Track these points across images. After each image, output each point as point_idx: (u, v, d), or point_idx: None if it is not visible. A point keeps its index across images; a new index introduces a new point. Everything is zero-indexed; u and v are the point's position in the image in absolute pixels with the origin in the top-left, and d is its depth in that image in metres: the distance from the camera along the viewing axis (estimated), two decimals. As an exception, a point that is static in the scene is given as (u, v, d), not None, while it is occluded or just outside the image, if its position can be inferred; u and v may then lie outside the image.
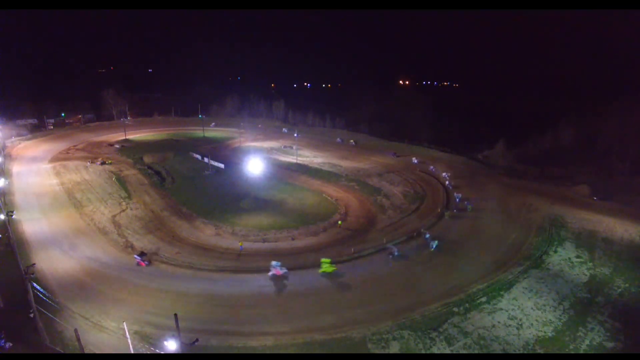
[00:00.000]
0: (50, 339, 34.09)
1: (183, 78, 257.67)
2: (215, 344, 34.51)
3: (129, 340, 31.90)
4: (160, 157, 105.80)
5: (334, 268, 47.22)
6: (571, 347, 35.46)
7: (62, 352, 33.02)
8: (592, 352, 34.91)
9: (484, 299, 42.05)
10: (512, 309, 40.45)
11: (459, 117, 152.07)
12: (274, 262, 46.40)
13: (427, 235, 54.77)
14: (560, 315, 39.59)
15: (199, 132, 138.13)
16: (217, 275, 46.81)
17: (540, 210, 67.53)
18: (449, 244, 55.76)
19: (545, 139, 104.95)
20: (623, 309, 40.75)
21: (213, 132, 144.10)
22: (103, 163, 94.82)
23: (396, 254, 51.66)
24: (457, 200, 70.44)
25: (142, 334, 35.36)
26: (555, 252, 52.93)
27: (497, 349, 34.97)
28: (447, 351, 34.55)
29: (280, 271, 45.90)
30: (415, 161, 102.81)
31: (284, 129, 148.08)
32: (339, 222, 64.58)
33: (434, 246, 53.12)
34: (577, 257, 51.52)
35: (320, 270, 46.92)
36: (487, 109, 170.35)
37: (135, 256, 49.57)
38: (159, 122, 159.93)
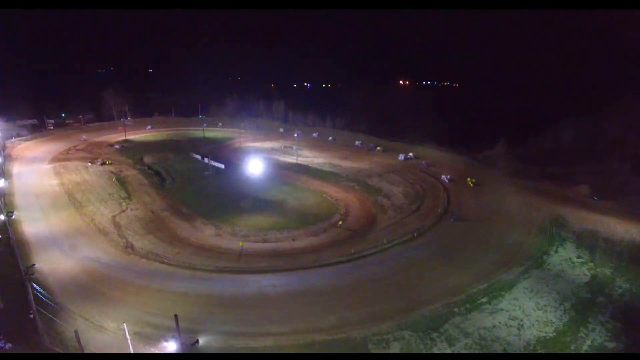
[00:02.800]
0: (51, 340, 34.01)
1: (183, 78, 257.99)
2: (215, 345, 34.43)
3: (129, 341, 31.82)
4: (161, 157, 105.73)
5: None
6: (572, 347, 35.35)
7: (62, 353, 32.93)
8: (594, 352, 34.81)
9: (484, 299, 41.96)
10: (513, 310, 40.35)
11: (459, 117, 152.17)
12: None
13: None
14: (561, 316, 39.49)
15: (199, 132, 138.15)
16: (217, 276, 46.74)
17: (540, 210, 67.40)
18: (450, 244, 55.73)
19: (546, 138, 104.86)
20: (624, 309, 40.62)
21: (213, 132, 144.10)
22: (103, 163, 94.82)
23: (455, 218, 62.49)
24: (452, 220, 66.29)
25: (143, 335, 35.27)
26: (556, 252, 52.81)
27: (498, 349, 34.87)
28: (448, 351, 34.46)
29: None
30: (402, 157, 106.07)
31: (280, 129, 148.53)
32: (340, 222, 64.52)
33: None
34: (578, 257, 51.42)
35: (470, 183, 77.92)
36: (487, 108, 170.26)
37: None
38: (159, 122, 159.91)
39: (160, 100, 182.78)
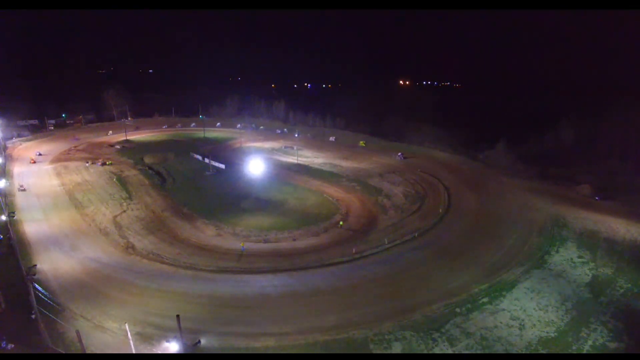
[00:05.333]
0: (52, 340, 34.02)
1: (183, 78, 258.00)
2: (217, 345, 34.45)
3: (131, 342, 31.83)
4: (161, 157, 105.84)
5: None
6: (574, 347, 35.32)
7: (64, 353, 32.95)
8: (595, 352, 34.77)
9: (486, 300, 41.94)
10: (515, 310, 40.34)
11: (459, 117, 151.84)
12: None
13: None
14: (562, 316, 39.45)
15: (199, 132, 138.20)
16: (218, 276, 46.78)
17: (541, 210, 67.36)
18: (451, 244, 55.72)
19: (547, 138, 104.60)
20: (626, 309, 40.58)
21: (213, 132, 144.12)
22: (104, 164, 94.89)
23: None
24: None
25: (144, 335, 35.28)
26: (557, 252, 52.76)
27: (499, 349, 34.85)
28: (450, 352, 34.45)
29: None
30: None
31: (277, 130, 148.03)
32: (340, 222, 64.53)
33: None
34: (579, 257, 51.37)
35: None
36: (487, 108, 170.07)
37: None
38: (160, 122, 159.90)
39: (160, 100, 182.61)
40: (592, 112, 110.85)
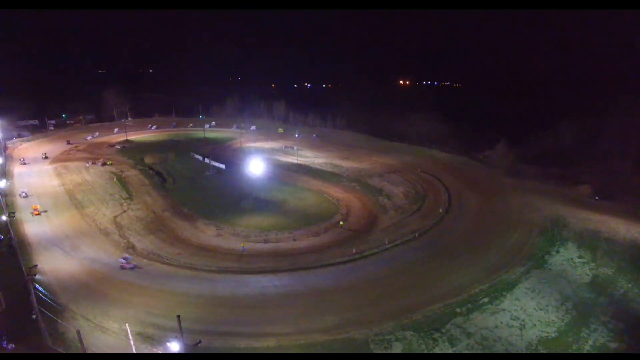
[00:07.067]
0: (53, 340, 34.06)
1: (183, 78, 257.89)
2: (218, 345, 34.46)
3: (132, 342, 31.85)
4: (161, 157, 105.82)
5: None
6: (574, 347, 35.36)
7: (64, 353, 32.97)
8: (596, 352, 34.79)
9: (486, 300, 41.94)
10: (515, 310, 40.34)
11: (459, 117, 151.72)
12: None
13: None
14: (563, 316, 39.47)
15: (199, 132, 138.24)
16: (219, 276, 46.81)
17: (541, 210, 67.33)
18: (451, 244, 55.71)
19: (547, 138, 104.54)
20: (626, 309, 40.61)
21: (214, 132, 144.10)
22: (104, 164, 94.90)
23: None
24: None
25: (145, 335, 35.33)
26: (558, 252, 52.75)
27: (500, 349, 34.87)
28: (450, 352, 34.47)
29: None
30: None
31: (279, 130, 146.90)
32: (341, 222, 64.53)
33: None
34: (580, 257, 51.36)
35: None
36: (487, 108, 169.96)
37: None
38: (160, 122, 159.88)
39: (160, 100, 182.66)
40: (592, 111, 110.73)
